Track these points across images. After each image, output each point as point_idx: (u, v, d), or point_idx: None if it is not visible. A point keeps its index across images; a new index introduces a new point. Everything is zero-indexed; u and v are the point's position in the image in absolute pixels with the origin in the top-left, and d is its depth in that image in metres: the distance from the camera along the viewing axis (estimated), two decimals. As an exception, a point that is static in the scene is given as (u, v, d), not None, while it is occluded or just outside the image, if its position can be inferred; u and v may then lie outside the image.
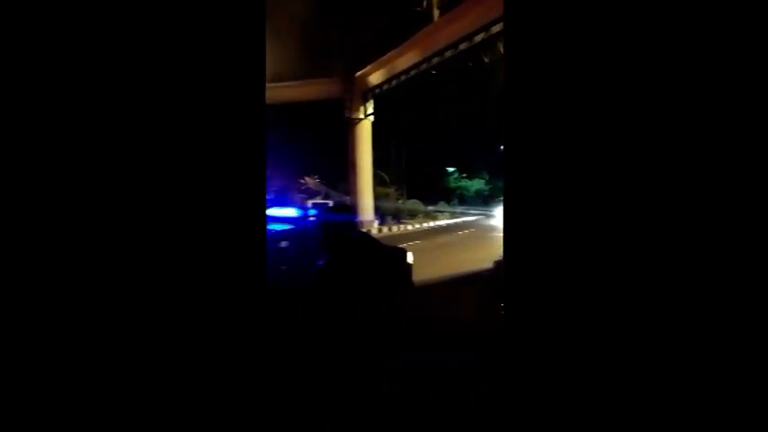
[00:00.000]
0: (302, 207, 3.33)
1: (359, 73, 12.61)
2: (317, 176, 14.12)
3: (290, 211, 3.16)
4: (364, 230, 8.78)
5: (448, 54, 9.62)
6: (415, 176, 18.84)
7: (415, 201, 17.27)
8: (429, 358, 1.53)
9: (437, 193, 19.61)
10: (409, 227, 13.93)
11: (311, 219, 3.37)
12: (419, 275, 3.39)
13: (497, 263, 3.08)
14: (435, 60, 10.10)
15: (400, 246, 3.38)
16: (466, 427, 1.30)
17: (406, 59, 10.75)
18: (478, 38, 8.55)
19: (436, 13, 9.70)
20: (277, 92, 13.01)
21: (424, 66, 10.55)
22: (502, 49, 7.02)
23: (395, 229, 13.10)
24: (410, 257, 2.89)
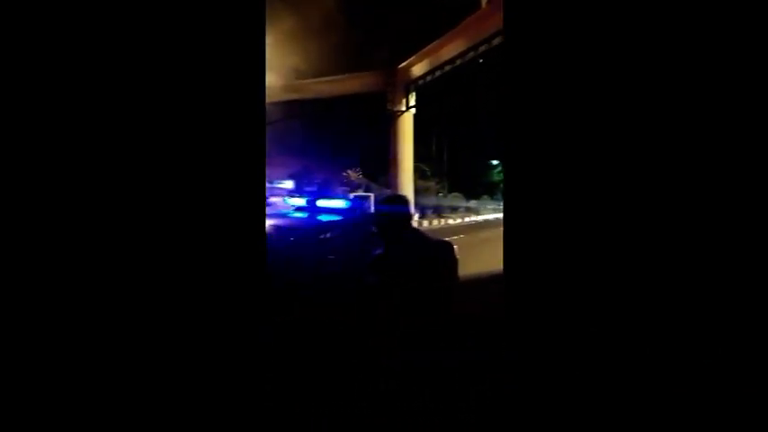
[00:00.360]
0: (351, 199, 3.35)
1: (401, 65, 12.47)
2: (358, 170, 14.21)
3: (339, 203, 3.14)
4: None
5: (495, 42, 9.25)
6: (456, 170, 18.48)
7: (456, 194, 16.94)
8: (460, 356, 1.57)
9: (480, 187, 19.13)
10: (450, 221, 13.69)
11: (360, 210, 3.34)
12: (463, 270, 3.31)
13: None
14: (482, 48, 9.75)
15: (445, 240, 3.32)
16: (466, 427, 1.29)
17: (451, 48, 10.48)
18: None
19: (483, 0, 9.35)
20: (320, 87, 13.19)
21: (470, 54, 10.23)
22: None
23: (435, 222, 12.92)
24: (456, 252, 2.82)
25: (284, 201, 3.78)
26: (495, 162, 20.73)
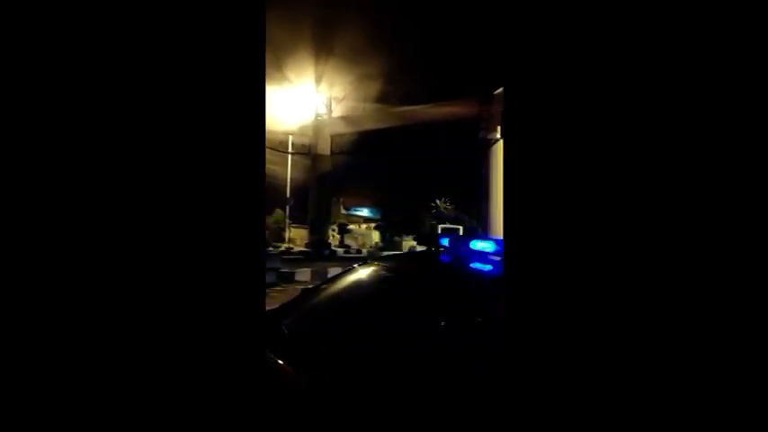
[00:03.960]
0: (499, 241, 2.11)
1: (498, 90, 11.78)
2: (447, 200, 13.41)
3: (486, 245, 2.08)
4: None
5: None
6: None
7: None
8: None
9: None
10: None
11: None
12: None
13: None
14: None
15: None
16: (465, 426, 1.30)
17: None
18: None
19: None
20: (413, 114, 13.00)
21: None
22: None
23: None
24: None
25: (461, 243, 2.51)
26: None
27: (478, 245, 2.09)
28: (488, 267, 1.98)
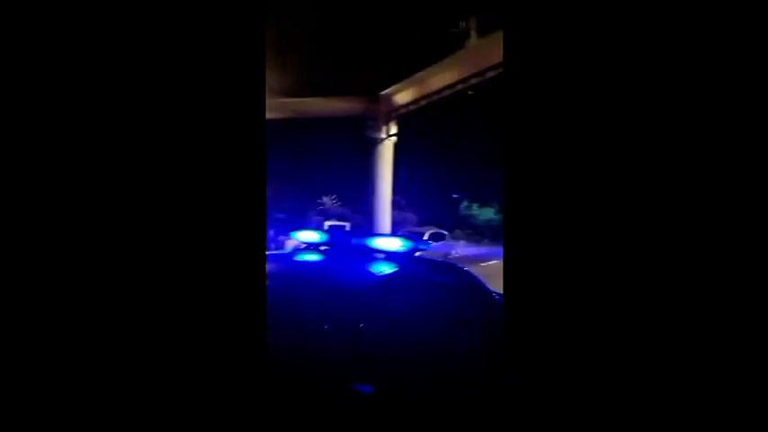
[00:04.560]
0: (412, 237, 2.28)
1: (384, 92, 12.21)
2: (334, 197, 13.38)
3: (392, 243, 2.20)
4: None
5: (490, 74, 9.16)
6: (427, 202, 18.38)
7: (430, 227, 16.59)
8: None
9: (448, 221, 19.08)
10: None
11: (422, 254, 2.42)
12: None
13: None
14: (473, 81, 9.64)
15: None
16: (465, 426, 1.34)
17: (441, 79, 10.29)
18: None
19: (472, 35, 9.27)
20: (301, 107, 12.53)
21: (459, 86, 10.08)
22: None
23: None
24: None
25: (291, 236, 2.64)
26: (456, 196, 21.35)
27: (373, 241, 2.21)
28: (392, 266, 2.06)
